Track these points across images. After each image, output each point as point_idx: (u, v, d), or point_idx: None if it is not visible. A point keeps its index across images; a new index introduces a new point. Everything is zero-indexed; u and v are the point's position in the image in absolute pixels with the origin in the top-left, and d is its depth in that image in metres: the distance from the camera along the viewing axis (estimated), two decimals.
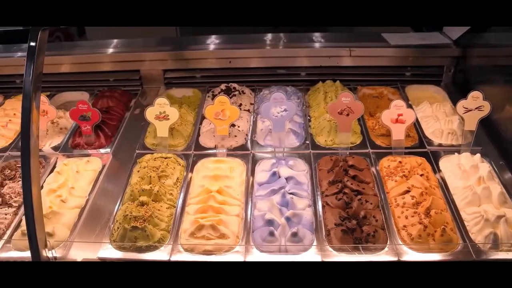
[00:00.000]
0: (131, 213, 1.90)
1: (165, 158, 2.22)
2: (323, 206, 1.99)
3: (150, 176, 2.07)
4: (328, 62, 2.70)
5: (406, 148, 2.25)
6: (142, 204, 1.96)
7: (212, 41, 2.81)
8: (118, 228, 1.90)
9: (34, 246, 1.65)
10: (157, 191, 2.00)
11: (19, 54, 2.94)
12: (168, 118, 2.22)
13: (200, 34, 2.99)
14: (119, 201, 2.06)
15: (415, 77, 2.75)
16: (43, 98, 2.38)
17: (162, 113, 2.22)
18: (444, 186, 2.06)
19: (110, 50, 2.83)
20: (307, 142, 2.32)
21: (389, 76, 2.75)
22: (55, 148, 2.42)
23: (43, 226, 1.70)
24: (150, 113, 2.23)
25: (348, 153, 2.24)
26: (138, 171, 2.15)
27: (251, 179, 2.13)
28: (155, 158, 2.22)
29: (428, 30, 2.99)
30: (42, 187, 2.19)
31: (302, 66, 2.75)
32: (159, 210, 1.95)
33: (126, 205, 1.98)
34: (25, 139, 1.60)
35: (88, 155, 2.36)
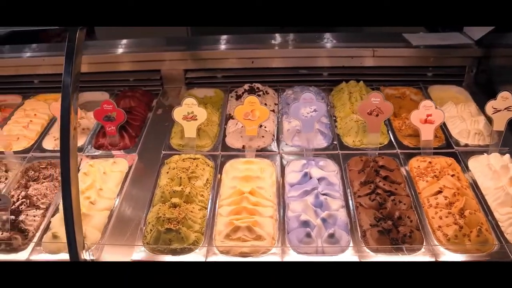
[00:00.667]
0: (164, 215, 1.87)
1: (194, 159, 2.20)
2: (356, 207, 1.98)
3: (180, 178, 2.05)
4: (350, 62, 2.69)
5: (434, 148, 2.25)
6: (174, 205, 1.94)
7: (234, 41, 2.79)
8: (151, 230, 1.88)
9: (73, 248, 1.63)
10: (189, 193, 1.98)
11: (37, 54, 2.90)
12: (196, 119, 2.20)
13: (211, 34, 2.97)
14: (148, 202, 2.03)
15: (436, 78, 2.75)
16: None
17: (190, 114, 2.19)
18: (475, 186, 2.06)
19: (130, 50, 2.80)
20: (335, 142, 2.31)
21: (410, 77, 2.75)
22: (78, 149, 2.37)
23: (81, 227, 1.67)
24: (177, 114, 2.20)
25: (377, 153, 2.24)
26: (168, 172, 2.12)
27: (281, 180, 2.12)
28: (184, 159, 2.20)
29: (443, 30, 3.00)
30: None
31: (324, 66, 2.74)
32: (192, 211, 1.93)
33: (158, 207, 1.95)
34: (64, 140, 1.57)
35: (112, 156, 2.34)
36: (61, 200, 2.06)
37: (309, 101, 2.16)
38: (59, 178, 2.27)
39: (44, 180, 2.26)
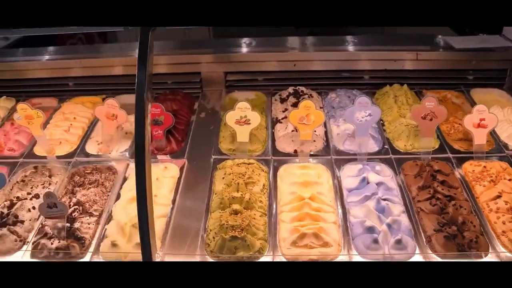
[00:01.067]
0: (227, 222, 1.84)
1: (248, 164, 2.16)
2: (417, 212, 1.97)
3: (238, 183, 2.01)
4: (393, 65, 2.68)
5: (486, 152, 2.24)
6: (236, 212, 1.91)
7: (274, 44, 2.76)
8: (213, 238, 1.84)
9: (147, 253, 1.58)
10: (249, 199, 1.95)
11: (69, 56, 2.84)
12: (249, 123, 2.17)
13: (232, 36, 2.93)
14: (206, 209, 2.00)
15: (477, 81, 2.75)
16: (113, 101, 2.30)
17: (243, 118, 2.16)
18: None
19: (169, 52, 2.75)
20: (386, 147, 2.30)
21: (451, 80, 2.74)
22: (124, 154, 2.34)
23: (154, 232, 1.63)
24: (230, 118, 2.17)
25: (430, 157, 2.23)
26: (223, 178, 2.09)
27: (337, 184, 2.10)
28: (238, 164, 2.16)
29: (471, 33, 3.01)
30: (119, 194, 2.12)
31: (366, 69, 2.73)
32: (254, 218, 1.90)
33: (219, 214, 1.92)
34: (140, 143, 1.53)
35: (159, 161, 2.29)
36: (114, 207, 2.04)
37: (364, 105, 2.14)
38: (105, 183, 2.23)
39: (90, 186, 2.20)
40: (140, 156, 1.51)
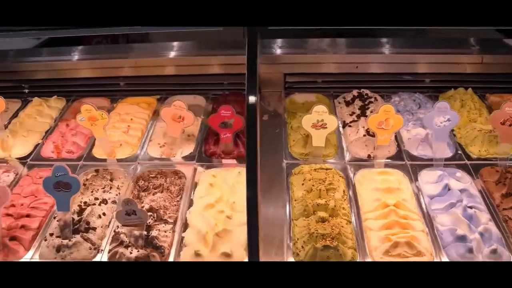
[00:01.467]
0: (317, 230, 1.77)
1: (326, 169, 2.09)
2: (504, 220, 1.92)
3: (320, 190, 1.94)
4: (456, 68, 2.63)
5: None
6: (323, 220, 1.84)
7: (334, 45, 2.68)
8: (303, 247, 1.77)
9: (254, 255, 1.51)
10: (334, 206, 1.88)
11: (118, 55, 2.74)
12: (326, 127, 2.10)
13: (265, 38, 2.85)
14: (288, 216, 1.92)
15: None
16: (181, 103, 2.21)
17: (320, 121, 2.09)
18: None
19: (224, 52, 2.66)
20: (459, 152, 2.25)
21: (509, 84, 2.70)
22: (189, 158, 2.25)
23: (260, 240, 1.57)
24: (306, 121, 2.09)
25: (507, 164, 2.18)
26: (302, 184, 2.01)
27: (417, 191, 2.04)
28: (315, 169, 2.09)
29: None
30: (191, 200, 2.04)
31: (427, 73, 2.67)
32: (342, 226, 1.83)
33: (306, 221, 1.84)
34: (251, 150, 1.46)
35: (224, 165, 2.21)
36: (189, 214, 1.95)
37: (444, 110, 2.09)
38: (170, 188, 2.14)
39: (155, 191, 2.11)
40: (251, 161, 1.44)
